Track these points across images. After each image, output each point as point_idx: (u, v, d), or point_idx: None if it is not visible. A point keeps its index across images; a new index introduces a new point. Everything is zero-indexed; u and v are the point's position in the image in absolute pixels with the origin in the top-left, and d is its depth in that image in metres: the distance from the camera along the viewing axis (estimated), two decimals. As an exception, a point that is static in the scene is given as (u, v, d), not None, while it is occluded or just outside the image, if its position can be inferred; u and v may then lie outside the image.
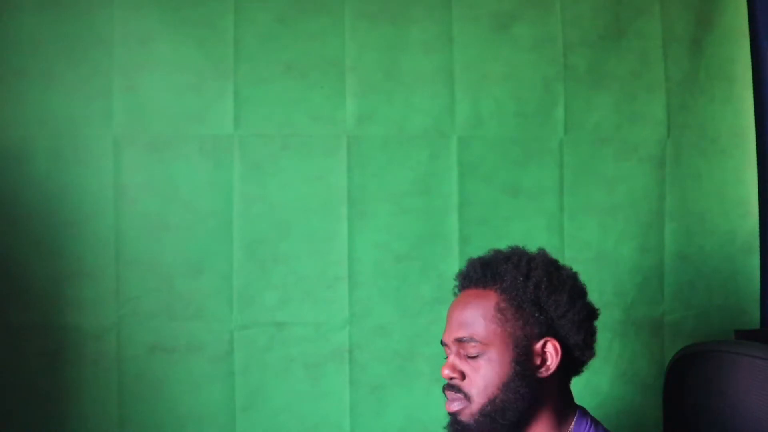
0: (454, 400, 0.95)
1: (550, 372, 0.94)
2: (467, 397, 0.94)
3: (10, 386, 1.30)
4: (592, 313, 1.00)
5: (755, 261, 1.50)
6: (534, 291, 0.95)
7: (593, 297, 1.42)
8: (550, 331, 0.95)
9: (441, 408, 1.38)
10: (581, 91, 1.44)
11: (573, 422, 0.97)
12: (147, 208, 1.34)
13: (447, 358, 0.99)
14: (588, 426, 0.97)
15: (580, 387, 1.37)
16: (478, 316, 0.95)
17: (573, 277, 1.00)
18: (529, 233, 1.41)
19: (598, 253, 1.44)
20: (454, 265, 1.39)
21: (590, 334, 0.99)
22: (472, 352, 0.94)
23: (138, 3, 1.33)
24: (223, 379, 1.34)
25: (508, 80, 1.42)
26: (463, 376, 0.95)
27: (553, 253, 1.39)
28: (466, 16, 1.41)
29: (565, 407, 0.98)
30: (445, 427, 0.98)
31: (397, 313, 1.38)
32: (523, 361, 0.93)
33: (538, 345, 0.94)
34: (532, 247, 1.37)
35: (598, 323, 1.41)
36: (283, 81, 1.37)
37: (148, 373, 1.33)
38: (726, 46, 1.50)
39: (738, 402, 1.11)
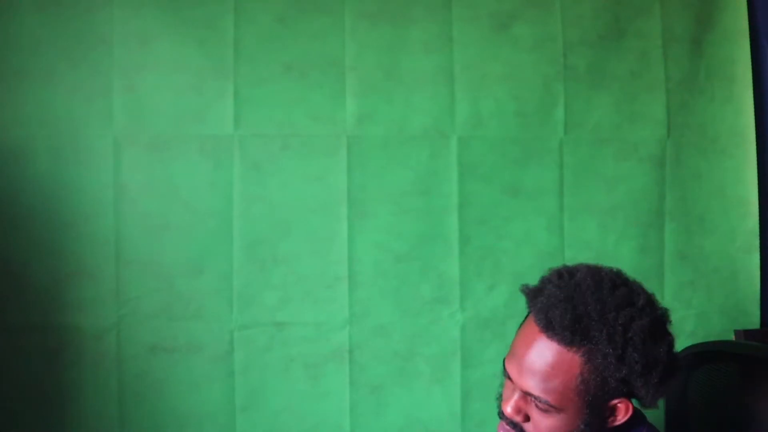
0: None
1: (615, 425, 0.88)
2: None
3: (10, 386, 1.30)
4: (675, 372, 0.89)
5: (755, 261, 1.49)
6: (627, 373, 0.84)
7: (593, 297, 1.43)
8: (627, 392, 0.87)
9: (441, 408, 1.38)
10: (581, 91, 1.44)
11: None
12: (147, 208, 1.34)
13: (507, 381, 0.91)
14: None
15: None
16: (557, 381, 0.84)
17: (669, 350, 0.88)
18: (529, 233, 1.41)
19: (598, 253, 1.44)
20: (454, 265, 1.39)
21: (667, 391, 0.89)
22: (543, 408, 0.86)
23: (138, 3, 1.33)
24: (223, 379, 1.34)
25: (508, 80, 1.42)
26: (527, 418, 0.88)
27: (553, 253, 1.41)
28: (466, 16, 1.41)
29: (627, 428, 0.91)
30: None
31: (397, 313, 1.38)
32: (593, 419, 0.86)
33: (612, 403, 0.87)
34: (531, 247, 1.36)
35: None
36: (283, 81, 1.37)
37: (148, 373, 1.33)
38: (726, 46, 1.50)
39: (738, 402, 1.11)
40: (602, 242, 1.44)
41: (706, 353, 1.20)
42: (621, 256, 1.44)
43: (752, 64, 1.50)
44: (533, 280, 0.95)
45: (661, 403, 1.33)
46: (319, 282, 1.37)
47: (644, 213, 1.46)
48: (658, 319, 0.89)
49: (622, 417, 0.88)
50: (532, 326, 0.88)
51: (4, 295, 1.30)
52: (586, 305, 0.85)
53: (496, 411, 0.93)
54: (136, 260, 1.33)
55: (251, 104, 1.36)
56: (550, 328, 0.85)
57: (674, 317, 1.48)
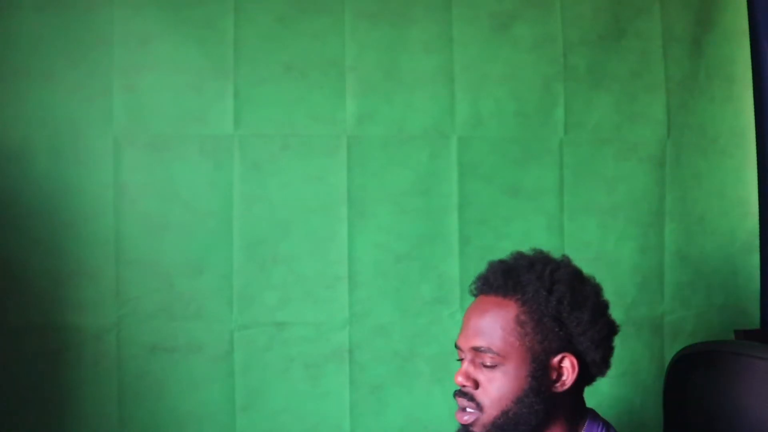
0: (465, 407, 0.94)
1: (565, 387, 0.93)
2: (479, 407, 0.93)
3: (10, 387, 1.30)
4: (612, 330, 0.98)
5: (755, 261, 1.50)
6: (556, 306, 0.93)
7: (593, 297, 1.43)
8: (569, 346, 0.93)
9: (441, 408, 1.38)
10: (581, 91, 1.44)
11: (584, 427, 0.97)
12: (147, 208, 1.34)
13: (460, 361, 0.98)
14: (600, 430, 0.97)
15: (580, 387, 1.37)
16: (497, 327, 0.93)
17: (596, 292, 0.98)
18: (529, 233, 1.41)
19: (598, 253, 1.44)
20: (454, 265, 1.39)
21: (609, 351, 0.97)
22: (488, 362, 0.93)
23: (138, 3, 1.33)
24: (223, 379, 1.34)
25: (508, 80, 1.42)
26: (476, 384, 0.94)
27: (553, 253, 1.41)
28: (466, 16, 1.41)
29: (578, 414, 0.97)
30: None
31: (397, 313, 1.38)
32: (540, 375, 0.91)
33: (555, 360, 0.93)
34: (531, 247, 1.37)
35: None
36: (283, 81, 1.36)
37: (148, 373, 1.33)
38: (726, 46, 1.50)
39: (738, 402, 1.11)
40: (602, 242, 1.44)
41: (706, 353, 1.20)
42: (621, 256, 1.45)
43: (752, 64, 1.50)
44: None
45: (659, 403, 1.33)
46: (319, 282, 1.37)
47: (644, 213, 1.46)
48: (580, 270, 1.00)
49: (569, 376, 0.92)
50: (474, 300, 1.00)
51: (4, 295, 1.30)
52: (516, 262, 0.99)
53: None
54: (136, 260, 1.33)
55: (251, 104, 1.36)
56: (486, 285, 0.98)
57: (674, 317, 1.50)
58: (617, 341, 1.43)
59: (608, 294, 1.42)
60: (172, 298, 1.33)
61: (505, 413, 0.91)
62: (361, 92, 1.38)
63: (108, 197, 1.33)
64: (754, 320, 1.49)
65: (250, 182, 1.36)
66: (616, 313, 1.43)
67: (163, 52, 1.34)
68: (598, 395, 1.41)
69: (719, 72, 1.50)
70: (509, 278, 0.96)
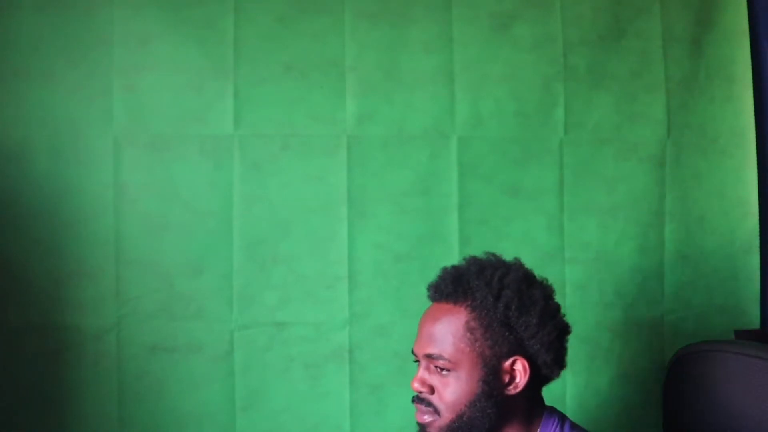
0: (424, 413, 0.97)
1: (518, 390, 0.95)
2: (436, 411, 0.95)
3: (10, 386, 1.30)
4: (563, 331, 1.00)
5: (755, 261, 1.49)
6: (504, 311, 0.95)
7: (593, 297, 1.43)
8: (519, 350, 0.95)
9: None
10: (581, 91, 1.44)
11: (540, 424, 0.98)
12: (147, 208, 1.34)
13: (418, 366, 1.01)
14: (555, 425, 0.98)
15: (580, 387, 1.38)
16: (448, 334, 0.95)
17: (546, 296, 0.99)
18: (529, 233, 1.41)
19: (598, 253, 1.44)
20: (454, 265, 1.39)
21: (561, 352, 0.99)
22: (441, 368, 0.95)
23: (138, 3, 1.33)
24: (223, 379, 1.34)
25: (508, 80, 1.42)
26: (432, 390, 0.96)
27: (553, 253, 1.42)
28: (466, 16, 1.41)
29: (533, 413, 0.99)
30: None
31: (397, 313, 1.38)
32: (491, 380, 0.94)
33: (507, 363, 0.95)
34: (531, 247, 1.38)
35: (599, 323, 1.42)
36: (283, 81, 1.36)
37: (148, 373, 1.33)
38: (726, 46, 1.50)
39: (738, 402, 1.11)
40: (602, 242, 1.44)
41: (706, 353, 1.20)
42: (621, 256, 1.45)
43: (752, 64, 1.50)
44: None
45: (659, 403, 1.33)
46: (319, 282, 1.37)
47: (644, 213, 1.46)
48: (531, 274, 1.01)
49: (521, 378, 0.94)
50: (428, 307, 1.02)
51: (4, 295, 1.30)
52: (467, 268, 1.01)
53: None
54: (136, 260, 1.33)
55: (251, 104, 1.36)
56: (437, 292, 1.01)
57: (674, 317, 1.50)
58: (617, 341, 1.44)
59: (608, 294, 1.43)
60: (172, 298, 1.33)
61: (459, 417, 0.93)
62: (361, 92, 1.38)
63: (108, 197, 1.33)
64: (754, 320, 1.49)
65: (250, 182, 1.36)
66: (616, 312, 1.44)
67: (163, 52, 1.34)
68: (598, 395, 1.42)
69: (719, 72, 1.49)
70: (459, 285, 0.98)
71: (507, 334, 0.94)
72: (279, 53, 1.37)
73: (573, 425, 0.99)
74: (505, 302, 0.95)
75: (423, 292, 1.37)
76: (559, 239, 1.43)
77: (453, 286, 0.99)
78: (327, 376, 1.37)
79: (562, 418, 1.00)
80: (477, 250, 1.38)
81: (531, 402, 0.99)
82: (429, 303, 1.38)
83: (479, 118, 1.41)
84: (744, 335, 1.43)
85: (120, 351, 1.32)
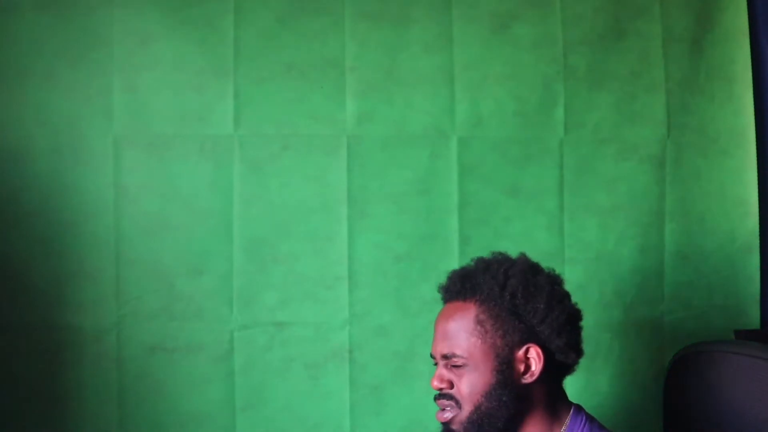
0: (445, 408, 0.98)
1: (534, 378, 0.96)
2: (458, 404, 0.97)
3: (10, 386, 1.30)
4: (573, 315, 1.01)
5: (755, 261, 1.49)
6: (510, 300, 0.97)
7: (593, 297, 1.43)
8: (531, 337, 0.97)
9: (441, 408, 1.37)
10: (581, 91, 1.44)
11: (567, 421, 0.99)
12: (147, 208, 1.34)
13: (436, 367, 1.02)
14: (582, 423, 0.99)
15: (580, 387, 1.37)
16: (460, 330, 0.98)
17: (552, 281, 1.01)
18: (529, 233, 1.41)
19: (598, 253, 1.44)
20: (454, 265, 1.38)
21: (573, 337, 1.00)
22: (458, 365, 0.97)
23: (138, 3, 1.33)
24: (223, 379, 1.34)
25: (508, 80, 1.42)
26: (451, 384, 0.98)
27: (553, 253, 1.42)
28: (466, 16, 1.41)
29: (558, 407, 1.00)
30: None
31: (397, 313, 1.38)
32: (505, 369, 0.95)
33: (521, 352, 0.96)
34: (531, 247, 1.39)
35: (599, 323, 1.42)
36: (283, 81, 1.36)
37: (148, 373, 1.33)
38: (726, 46, 1.50)
39: (738, 402, 1.11)
40: (602, 242, 1.44)
41: (706, 353, 1.20)
42: (621, 256, 1.45)
43: (752, 64, 1.50)
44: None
45: (659, 403, 1.33)
46: (319, 282, 1.37)
47: (644, 213, 1.46)
48: (536, 264, 1.04)
49: (536, 365, 0.96)
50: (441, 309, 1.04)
51: (4, 295, 1.30)
52: (474, 267, 1.04)
53: None
54: (136, 260, 1.33)
55: (251, 104, 1.36)
56: (447, 292, 1.04)
57: (674, 317, 1.50)
58: (617, 341, 1.44)
59: (608, 294, 1.43)
60: (172, 298, 1.34)
61: (477, 408, 0.95)
62: (361, 92, 1.38)
63: (108, 197, 1.33)
64: (754, 320, 1.49)
65: (250, 182, 1.36)
66: (616, 312, 1.44)
67: (163, 52, 1.34)
68: (598, 395, 1.42)
69: (719, 72, 1.49)
70: (466, 282, 1.01)
71: (516, 322, 0.97)
72: (279, 53, 1.37)
73: (601, 426, 0.99)
74: (511, 291, 0.97)
75: (423, 292, 1.39)
76: (559, 239, 1.43)
77: (461, 284, 1.01)
78: (327, 376, 1.37)
79: (591, 418, 1.00)
80: (477, 250, 1.39)
81: (552, 396, 0.99)
82: (429, 303, 1.39)
83: (479, 118, 1.41)
84: (744, 335, 1.43)
85: (120, 351, 1.32)
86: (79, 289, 1.32)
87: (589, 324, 1.41)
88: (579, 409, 1.01)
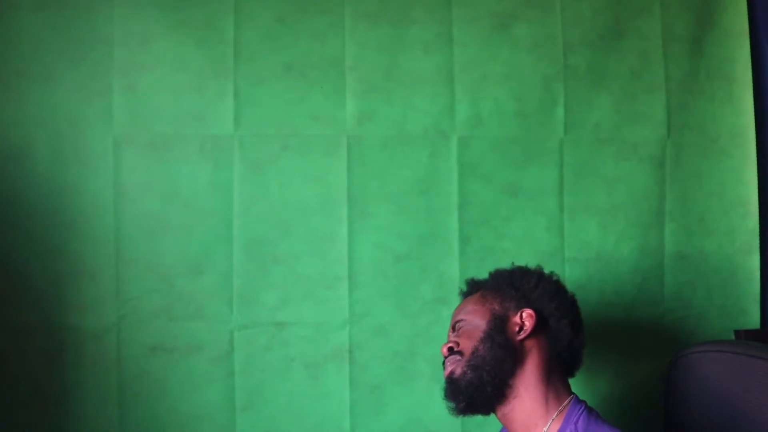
0: (452, 363, 1.09)
1: (527, 333, 1.07)
2: (462, 354, 1.09)
3: (10, 386, 1.30)
4: (563, 290, 1.15)
5: (755, 261, 1.50)
6: (509, 277, 1.16)
7: (593, 297, 1.44)
8: (526, 304, 1.10)
9: (441, 408, 1.38)
10: (581, 91, 1.44)
11: (567, 405, 1.05)
12: (147, 208, 1.34)
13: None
14: (580, 412, 1.03)
15: (580, 387, 1.38)
16: (468, 305, 1.15)
17: (547, 273, 1.17)
18: (529, 233, 1.41)
19: (598, 253, 1.44)
20: (454, 265, 1.39)
21: (564, 303, 1.12)
22: (461, 326, 1.12)
23: (138, 3, 1.33)
24: (223, 379, 1.35)
25: (508, 80, 1.42)
26: (457, 344, 1.10)
27: (553, 253, 1.42)
28: (466, 16, 1.41)
29: (557, 390, 1.06)
30: (443, 398, 1.10)
31: (397, 313, 1.38)
32: (500, 324, 1.08)
33: (516, 317, 1.09)
34: (531, 247, 1.42)
35: (599, 323, 1.42)
36: (283, 81, 1.37)
37: (148, 373, 1.33)
38: (726, 46, 1.50)
39: (738, 402, 1.11)
40: (602, 242, 1.44)
41: (705, 353, 1.20)
42: (621, 256, 1.45)
43: (752, 64, 1.50)
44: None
45: (659, 403, 1.33)
46: (319, 282, 1.37)
47: (644, 213, 1.46)
48: (541, 269, 1.19)
49: (529, 323, 1.08)
50: None
51: (4, 295, 1.30)
52: (487, 277, 1.22)
53: None
54: (136, 260, 1.33)
55: (251, 104, 1.36)
56: (465, 293, 1.22)
57: (674, 317, 1.50)
58: (618, 340, 1.44)
59: (608, 294, 1.44)
60: (172, 298, 1.34)
61: (475, 351, 1.07)
62: (361, 92, 1.38)
63: (108, 197, 1.33)
64: (754, 320, 1.49)
65: (250, 182, 1.36)
66: (616, 312, 1.44)
67: (163, 52, 1.34)
68: (598, 395, 1.42)
69: (719, 72, 1.50)
70: (478, 283, 1.21)
71: (513, 292, 1.12)
72: (279, 53, 1.37)
73: (600, 417, 1.03)
74: (510, 271, 1.17)
75: (423, 292, 1.39)
76: (559, 239, 1.43)
77: (474, 283, 1.22)
78: (327, 376, 1.37)
79: (590, 409, 1.04)
80: (477, 250, 1.40)
81: (548, 371, 1.06)
82: (429, 303, 1.39)
83: (479, 118, 1.41)
84: (744, 335, 1.43)
85: (120, 351, 1.32)
86: (79, 289, 1.32)
87: (589, 324, 1.42)
88: (582, 401, 1.05)
